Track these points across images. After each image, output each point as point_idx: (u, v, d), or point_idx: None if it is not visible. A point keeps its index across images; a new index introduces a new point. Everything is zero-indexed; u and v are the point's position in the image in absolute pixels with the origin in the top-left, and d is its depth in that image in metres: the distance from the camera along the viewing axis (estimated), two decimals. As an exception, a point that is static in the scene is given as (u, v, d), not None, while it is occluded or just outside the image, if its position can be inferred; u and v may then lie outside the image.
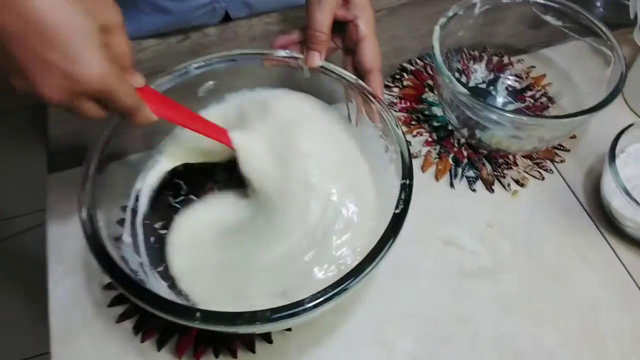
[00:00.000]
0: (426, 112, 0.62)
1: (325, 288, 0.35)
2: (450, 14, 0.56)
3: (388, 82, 0.65)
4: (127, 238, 0.44)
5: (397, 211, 0.39)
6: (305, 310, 0.35)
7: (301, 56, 0.48)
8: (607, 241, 0.54)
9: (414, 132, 0.60)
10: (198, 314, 0.34)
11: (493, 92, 0.63)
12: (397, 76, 0.65)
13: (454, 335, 0.48)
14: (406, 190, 0.40)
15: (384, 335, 0.48)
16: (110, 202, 0.44)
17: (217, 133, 0.46)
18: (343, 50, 0.51)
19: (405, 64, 0.66)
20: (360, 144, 0.48)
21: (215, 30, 0.72)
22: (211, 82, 0.49)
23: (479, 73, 0.64)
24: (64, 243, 0.52)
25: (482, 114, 0.52)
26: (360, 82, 0.47)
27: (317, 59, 0.47)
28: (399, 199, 0.40)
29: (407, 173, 0.41)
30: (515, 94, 0.63)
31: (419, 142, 0.60)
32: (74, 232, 0.50)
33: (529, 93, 0.63)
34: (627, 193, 0.49)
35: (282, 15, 0.73)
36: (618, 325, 0.49)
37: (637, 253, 0.53)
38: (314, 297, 0.35)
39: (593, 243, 0.54)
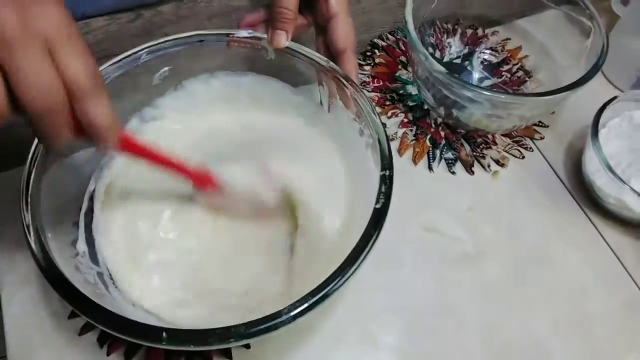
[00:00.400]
0: (400, 91, 0.58)
1: (305, 296, 0.32)
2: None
3: (359, 59, 0.61)
4: (81, 246, 0.40)
5: (378, 206, 0.36)
6: (283, 323, 0.32)
7: (265, 36, 0.44)
8: (590, 220, 0.52)
9: (389, 113, 0.57)
10: (164, 335, 0.31)
11: (469, 68, 0.60)
12: (368, 53, 0.61)
13: (439, 327, 0.46)
14: (386, 182, 0.37)
15: (368, 331, 0.45)
16: (59, 206, 0.39)
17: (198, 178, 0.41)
18: (315, 29, 0.47)
19: (376, 40, 0.63)
20: (332, 130, 0.45)
21: (170, 8, 0.66)
22: (166, 68, 0.45)
23: (454, 47, 0.60)
24: (14, 250, 0.47)
25: (460, 93, 0.49)
26: (333, 64, 0.43)
27: (282, 39, 0.43)
28: (379, 192, 0.37)
29: (387, 164, 0.38)
30: (491, 68, 0.60)
31: (394, 124, 0.56)
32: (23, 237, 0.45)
33: (505, 67, 0.60)
34: (611, 170, 0.47)
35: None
36: (606, 307, 0.48)
37: (620, 231, 0.52)
38: (293, 306, 0.32)
39: (576, 223, 0.52)
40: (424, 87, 0.53)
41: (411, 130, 0.56)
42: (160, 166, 0.38)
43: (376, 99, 0.58)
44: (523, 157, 0.55)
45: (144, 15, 0.65)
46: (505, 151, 0.55)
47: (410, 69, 0.58)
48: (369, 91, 0.58)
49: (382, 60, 0.60)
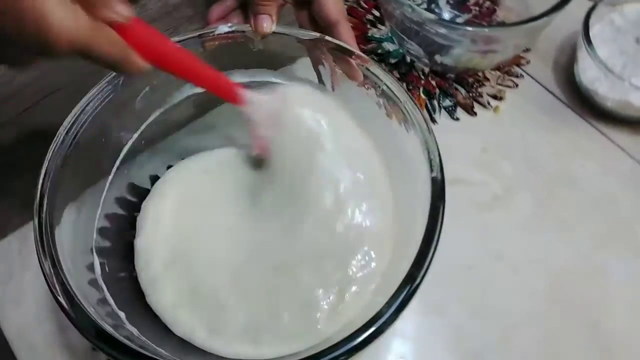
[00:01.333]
0: (379, 51, 0.56)
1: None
2: None
3: None
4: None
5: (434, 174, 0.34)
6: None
7: (247, 27, 0.40)
8: (597, 129, 0.53)
9: None
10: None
11: (437, 10, 0.58)
12: None
13: (494, 275, 0.45)
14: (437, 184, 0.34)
15: (429, 300, 0.44)
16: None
17: (226, 88, 0.37)
18: (293, 4, 0.43)
19: None
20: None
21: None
22: (147, 88, 0.40)
23: None
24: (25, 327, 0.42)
25: (451, 36, 0.47)
26: (330, 38, 0.39)
27: (268, 23, 0.39)
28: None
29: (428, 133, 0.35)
30: (459, 6, 0.58)
31: None
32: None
33: (471, 1, 0.58)
34: (612, 74, 0.47)
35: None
36: (638, 206, 0.49)
37: (628, 132, 0.53)
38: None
39: (585, 135, 0.52)
40: (407, 39, 0.51)
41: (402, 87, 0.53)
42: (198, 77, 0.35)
43: (356, 65, 0.55)
44: (516, 85, 0.55)
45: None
46: (499, 84, 0.54)
47: (387, 23, 0.55)
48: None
49: (350, 24, 0.57)
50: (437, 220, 0.32)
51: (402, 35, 0.51)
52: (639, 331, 0.43)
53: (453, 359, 0.42)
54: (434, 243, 0.32)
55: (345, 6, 0.57)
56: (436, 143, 0.35)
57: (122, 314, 0.34)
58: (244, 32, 0.40)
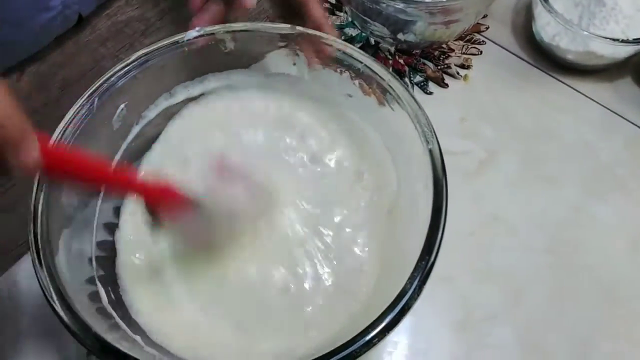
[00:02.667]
0: (342, 38, 0.55)
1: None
2: None
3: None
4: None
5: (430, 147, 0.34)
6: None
7: (216, 29, 0.39)
8: (562, 82, 0.54)
9: None
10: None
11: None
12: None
13: (495, 238, 0.46)
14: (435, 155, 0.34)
15: (436, 271, 0.44)
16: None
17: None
18: None
19: None
20: (323, 98, 0.41)
21: (54, 53, 0.57)
22: (122, 105, 0.38)
23: None
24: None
25: (412, 12, 0.47)
26: (300, 28, 0.39)
27: None
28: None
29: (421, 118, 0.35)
30: None
31: None
32: None
33: None
34: (569, 23, 0.49)
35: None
36: (615, 151, 0.50)
37: (589, 80, 0.54)
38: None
39: (553, 89, 0.54)
40: (369, 20, 0.51)
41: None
42: (101, 181, 0.32)
43: (323, 56, 0.55)
44: (480, 52, 0.55)
45: (28, 69, 0.56)
46: (464, 53, 0.55)
47: (345, 9, 0.55)
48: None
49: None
50: (443, 192, 0.32)
51: (364, 17, 0.51)
52: (635, 269, 0.45)
53: (467, 327, 0.42)
54: (443, 215, 0.32)
55: None
56: (426, 115, 0.35)
57: (137, 338, 0.33)
58: (213, 34, 0.39)
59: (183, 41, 0.38)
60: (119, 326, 0.33)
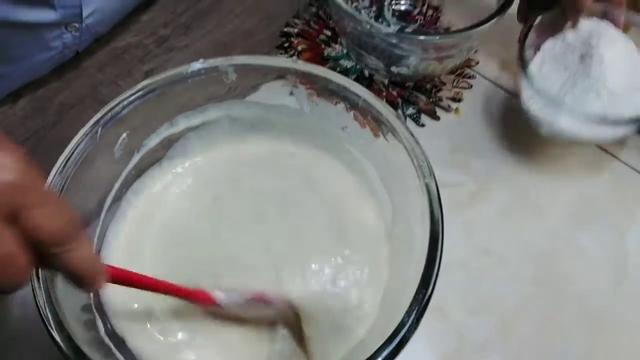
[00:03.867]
0: (337, 69, 0.57)
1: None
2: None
3: (281, 55, 0.58)
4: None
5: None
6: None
7: (219, 62, 0.40)
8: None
9: None
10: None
11: (384, 24, 0.60)
12: (286, 45, 0.59)
13: (486, 269, 0.47)
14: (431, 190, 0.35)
15: (432, 303, 0.45)
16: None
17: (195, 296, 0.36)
18: None
19: (285, 29, 0.60)
20: (321, 131, 0.43)
21: (53, 75, 0.58)
22: (124, 134, 0.39)
23: (366, 10, 0.60)
24: None
25: (405, 47, 0.49)
26: (299, 63, 0.40)
27: None
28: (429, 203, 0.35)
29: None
30: (404, 16, 0.61)
31: None
32: None
33: (416, 11, 0.61)
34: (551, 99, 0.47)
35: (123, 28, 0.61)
36: (601, 187, 0.52)
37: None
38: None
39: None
40: (364, 53, 0.52)
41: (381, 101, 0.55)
42: (153, 289, 0.34)
43: (318, 87, 0.56)
44: (471, 86, 0.57)
45: (24, 94, 0.56)
46: (455, 87, 0.57)
47: (341, 41, 0.57)
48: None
49: (304, 47, 0.58)
50: (439, 227, 0.33)
51: (359, 50, 0.53)
52: (621, 298, 0.46)
53: (456, 355, 0.43)
54: (439, 249, 0.33)
55: (297, 29, 0.59)
56: (422, 150, 0.37)
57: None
58: (216, 66, 0.40)
59: (187, 72, 0.39)
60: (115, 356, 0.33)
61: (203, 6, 0.64)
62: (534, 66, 0.49)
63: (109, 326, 0.35)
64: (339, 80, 0.40)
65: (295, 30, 0.60)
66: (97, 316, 0.35)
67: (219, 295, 0.36)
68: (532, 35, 0.50)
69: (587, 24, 0.48)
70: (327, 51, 0.58)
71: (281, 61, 0.40)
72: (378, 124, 0.39)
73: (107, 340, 0.34)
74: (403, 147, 0.37)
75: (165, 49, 0.60)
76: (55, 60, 0.54)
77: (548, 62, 0.50)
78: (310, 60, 0.57)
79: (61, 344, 0.29)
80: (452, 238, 0.47)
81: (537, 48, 0.50)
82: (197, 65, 0.39)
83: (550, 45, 0.50)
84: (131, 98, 0.38)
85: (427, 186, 0.35)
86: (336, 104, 0.42)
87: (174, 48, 0.60)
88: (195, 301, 0.36)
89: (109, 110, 0.37)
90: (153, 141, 0.41)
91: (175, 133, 0.43)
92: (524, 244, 0.49)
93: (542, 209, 0.50)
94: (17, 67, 0.51)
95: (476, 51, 0.60)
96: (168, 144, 0.43)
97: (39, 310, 0.31)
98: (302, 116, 0.43)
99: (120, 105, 0.37)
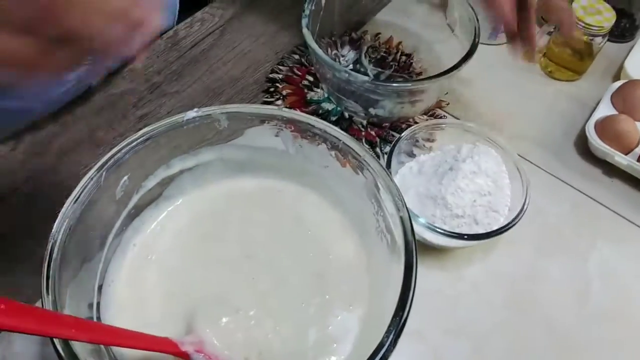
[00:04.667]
0: (320, 112, 0.61)
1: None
2: (307, 12, 0.56)
3: (267, 99, 0.63)
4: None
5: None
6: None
7: (212, 110, 0.44)
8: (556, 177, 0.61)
9: None
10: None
11: (362, 70, 0.65)
12: (272, 89, 0.63)
13: (459, 295, 0.51)
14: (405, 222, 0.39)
15: (410, 327, 0.48)
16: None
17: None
18: None
19: (271, 75, 0.65)
20: (305, 170, 0.47)
21: (50, 119, 0.61)
22: (125, 177, 0.42)
23: (346, 57, 0.65)
24: None
25: (381, 92, 0.54)
26: (285, 110, 0.44)
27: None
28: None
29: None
30: (380, 63, 0.66)
31: None
32: None
33: (390, 57, 0.66)
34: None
35: (119, 75, 0.65)
36: (564, 216, 0.57)
37: (538, 151, 0.61)
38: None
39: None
40: (343, 98, 0.57)
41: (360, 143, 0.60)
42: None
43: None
44: (443, 127, 0.62)
45: (24, 138, 0.59)
46: (428, 127, 0.62)
47: (322, 86, 0.61)
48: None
49: (289, 91, 0.63)
50: (413, 254, 0.37)
51: (338, 95, 0.58)
52: (585, 321, 0.50)
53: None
54: (414, 274, 0.36)
55: (281, 75, 0.64)
56: (397, 186, 0.41)
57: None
58: (210, 114, 0.44)
59: (183, 120, 0.43)
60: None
61: (193, 54, 0.68)
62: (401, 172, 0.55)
63: (112, 355, 0.38)
64: (320, 125, 0.44)
65: (280, 76, 0.64)
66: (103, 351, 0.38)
67: (189, 349, 0.37)
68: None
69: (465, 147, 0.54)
70: (310, 95, 0.63)
71: (268, 109, 0.44)
72: (356, 163, 0.43)
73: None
74: (379, 183, 0.41)
75: (158, 95, 0.64)
76: (70, 93, 0.57)
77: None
78: (295, 103, 0.62)
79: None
80: (428, 267, 0.52)
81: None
82: (192, 113, 0.43)
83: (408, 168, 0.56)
84: (133, 144, 0.41)
85: (402, 219, 0.39)
86: (318, 145, 0.46)
87: (167, 94, 0.65)
88: (162, 351, 0.37)
89: (112, 156, 0.40)
90: (151, 182, 0.45)
91: (171, 174, 0.46)
92: (494, 270, 0.53)
93: (508, 238, 0.55)
94: (33, 102, 0.54)
95: (446, 93, 0.65)
96: (165, 183, 0.46)
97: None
98: (287, 156, 0.47)
99: (122, 151, 0.41)
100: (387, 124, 0.61)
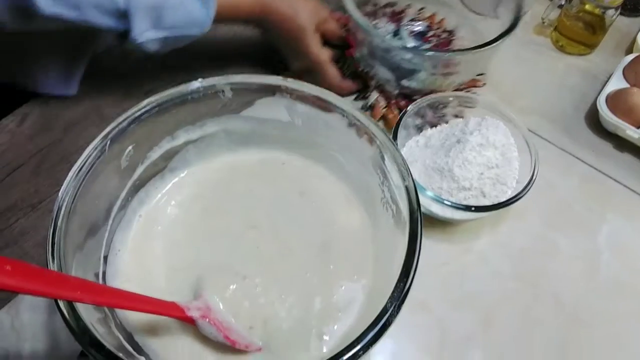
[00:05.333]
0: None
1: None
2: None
3: None
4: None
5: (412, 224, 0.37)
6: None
7: (216, 81, 0.43)
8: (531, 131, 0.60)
9: None
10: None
11: (400, 41, 0.64)
12: None
13: (467, 267, 0.51)
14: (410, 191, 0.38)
15: (413, 299, 0.48)
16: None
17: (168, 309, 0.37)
18: None
19: None
20: (312, 142, 0.47)
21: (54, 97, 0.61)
22: (130, 147, 0.42)
23: (383, 28, 0.65)
24: None
25: (416, 62, 0.53)
26: (290, 80, 0.44)
27: None
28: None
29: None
30: (420, 37, 0.65)
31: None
32: None
33: (431, 33, 0.65)
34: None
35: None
36: (573, 190, 0.56)
37: (548, 126, 0.60)
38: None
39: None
40: (377, 65, 0.57)
41: (383, 98, 0.60)
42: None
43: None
44: (473, 106, 0.60)
45: (30, 113, 0.60)
46: (460, 105, 0.59)
47: (358, 52, 0.60)
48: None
49: None
50: (417, 222, 0.37)
51: (372, 62, 0.57)
52: (594, 294, 0.50)
53: (442, 350, 0.46)
54: (419, 242, 0.36)
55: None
56: (402, 156, 0.40)
57: (141, 358, 0.36)
58: (214, 85, 0.43)
59: (187, 91, 0.43)
60: (125, 348, 0.36)
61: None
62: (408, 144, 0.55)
63: (118, 321, 0.38)
64: (325, 95, 0.44)
65: None
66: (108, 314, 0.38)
67: (195, 315, 0.37)
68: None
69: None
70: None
71: (273, 79, 0.44)
72: (362, 134, 0.43)
73: (116, 332, 0.37)
74: (385, 153, 0.41)
75: (164, 70, 0.64)
76: None
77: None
78: None
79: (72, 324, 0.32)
80: (436, 240, 0.51)
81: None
82: (195, 84, 0.43)
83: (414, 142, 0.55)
84: (137, 114, 0.41)
85: (407, 188, 0.38)
86: (324, 115, 0.45)
87: (174, 68, 0.64)
88: (168, 315, 0.37)
89: (117, 125, 0.40)
90: (156, 153, 0.45)
91: (176, 146, 0.46)
92: (502, 243, 0.52)
93: (519, 211, 0.54)
94: None
95: (482, 74, 0.63)
96: (169, 156, 0.46)
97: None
98: (293, 128, 0.46)
99: (127, 121, 0.41)
100: (416, 97, 0.60)
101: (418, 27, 0.66)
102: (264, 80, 0.44)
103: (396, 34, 0.65)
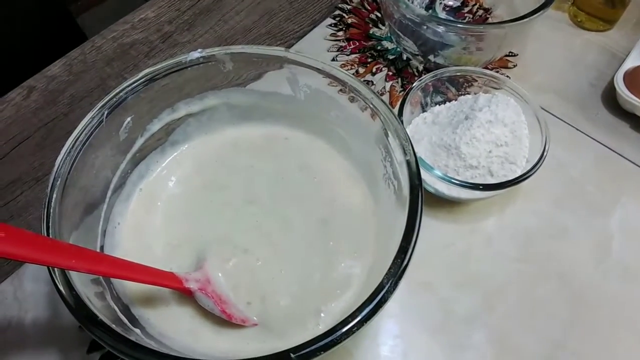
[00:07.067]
0: (378, 48, 0.61)
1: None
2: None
3: (330, 26, 0.64)
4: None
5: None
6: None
7: (216, 51, 0.42)
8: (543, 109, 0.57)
9: (373, 69, 0.60)
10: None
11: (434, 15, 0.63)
12: (337, 18, 0.64)
13: (472, 248, 0.49)
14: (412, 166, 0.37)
15: (416, 280, 0.47)
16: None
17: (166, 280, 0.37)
18: None
19: (340, 5, 0.65)
20: (314, 115, 0.45)
21: (61, 69, 0.61)
22: (128, 119, 0.42)
23: (417, 1, 0.63)
24: None
25: (445, 35, 0.52)
26: (292, 52, 0.43)
27: None
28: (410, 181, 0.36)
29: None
30: (454, 12, 0.63)
31: (380, 79, 0.59)
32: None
33: (466, 9, 0.64)
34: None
35: (130, 24, 0.64)
36: (586, 170, 0.54)
37: (561, 105, 0.58)
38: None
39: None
40: (403, 37, 0.55)
41: (397, 82, 0.58)
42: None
43: (357, 59, 0.61)
44: (499, 87, 0.58)
45: (36, 87, 0.60)
46: (485, 85, 0.57)
47: (387, 22, 0.60)
48: (347, 54, 0.62)
49: (354, 20, 0.63)
50: (418, 198, 0.36)
51: (399, 33, 0.56)
52: (603, 277, 0.48)
53: (445, 330, 0.45)
54: (418, 218, 0.35)
55: (350, 6, 0.64)
56: (405, 130, 0.39)
57: (137, 330, 0.36)
58: (213, 55, 0.42)
59: (186, 61, 0.42)
60: (121, 320, 0.36)
61: (206, 4, 0.67)
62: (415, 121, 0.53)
63: (115, 293, 0.38)
64: (329, 69, 0.42)
65: (349, 7, 0.64)
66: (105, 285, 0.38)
67: (193, 287, 0.37)
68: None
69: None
70: (373, 30, 0.62)
71: (275, 51, 0.43)
72: (365, 108, 0.42)
73: (112, 304, 0.37)
74: (388, 128, 0.40)
75: (169, 44, 0.63)
76: None
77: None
78: (355, 35, 0.62)
79: (69, 299, 0.32)
80: (441, 220, 0.50)
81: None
82: (195, 54, 0.42)
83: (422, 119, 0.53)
84: (135, 85, 0.41)
85: (408, 163, 0.37)
86: (327, 90, 0.44)
87: (178, 43, 0.64)
88: (166, 286, 0.37)
89: (115, 96, 0.40)
90: (156, 126, 0.44)
91: (176, 119, 0.45)
92: (509, 223, 0.51)
93: (526, 190, 0.52)
94: None
95: (514, 54, 0.61)
96: (170, 130, 0.46)
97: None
98: (295, 102, 0.45)
99: (125, 92, 0.40)
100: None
101: (454, 1, 0.64)
102: (265, 52, 0.43)
103: (428, 8, 0.64)
